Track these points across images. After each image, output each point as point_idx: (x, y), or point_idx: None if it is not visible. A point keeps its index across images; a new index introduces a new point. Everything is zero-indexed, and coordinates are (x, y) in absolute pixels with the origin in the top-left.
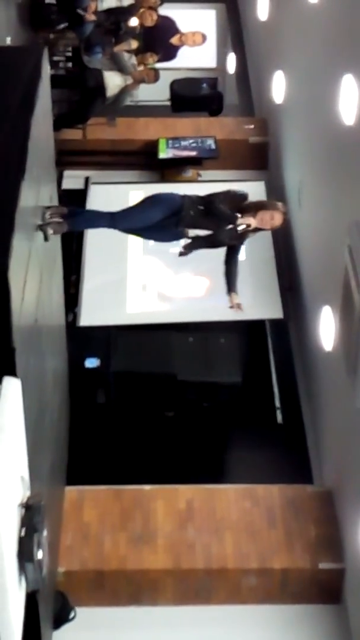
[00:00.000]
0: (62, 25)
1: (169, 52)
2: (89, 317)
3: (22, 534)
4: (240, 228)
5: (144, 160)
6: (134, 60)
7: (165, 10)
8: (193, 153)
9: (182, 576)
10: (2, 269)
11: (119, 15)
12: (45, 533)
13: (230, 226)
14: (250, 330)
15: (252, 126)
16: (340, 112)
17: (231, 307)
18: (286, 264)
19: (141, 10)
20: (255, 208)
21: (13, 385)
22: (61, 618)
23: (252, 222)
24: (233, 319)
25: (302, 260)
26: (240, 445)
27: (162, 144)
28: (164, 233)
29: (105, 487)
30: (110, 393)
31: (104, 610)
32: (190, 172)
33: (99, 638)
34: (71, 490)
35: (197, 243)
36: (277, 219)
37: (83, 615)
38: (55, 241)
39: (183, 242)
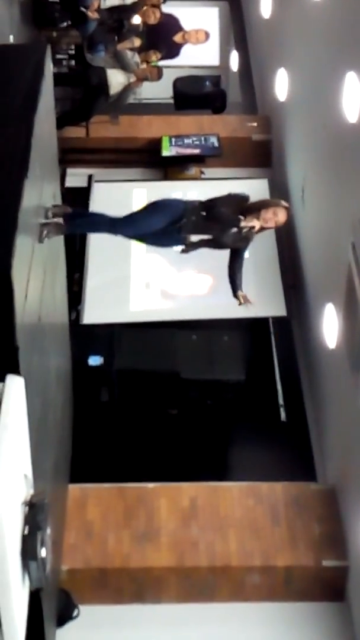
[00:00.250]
0: (65, 23)
1: (172, 50)
2: (92, 315)
3: (26, 532)
4: (244, 230)
5: (147, 158)
6: (137, 58)
7: (168, 8)
8: (196, 151)
9: (185, 574)
10: (5, 268)
11: (122, 13)
12: (48, 531)
13: (235, 229)
14: (254, 328)
15: (255, 124)
16: (343, 109)
17: (240, 304)
18: (289, 261)
19: (144, 8)
20: (258, 208)
21: (16, 383)
22: (65, 616)
23: (256, 223)
24: (236, 317)
25: (305, 257)
26: (244, 443)
27: (165, 142)
28: (166, 239)
29: (109, 485)
30: (114, 391)
31: (107, 608)
32: (193, 170)
33: (102, 636)
34: (75, 488)
35: (200, 243)
36: (280, 216)
37: (87, 613)
38: (59, 239)
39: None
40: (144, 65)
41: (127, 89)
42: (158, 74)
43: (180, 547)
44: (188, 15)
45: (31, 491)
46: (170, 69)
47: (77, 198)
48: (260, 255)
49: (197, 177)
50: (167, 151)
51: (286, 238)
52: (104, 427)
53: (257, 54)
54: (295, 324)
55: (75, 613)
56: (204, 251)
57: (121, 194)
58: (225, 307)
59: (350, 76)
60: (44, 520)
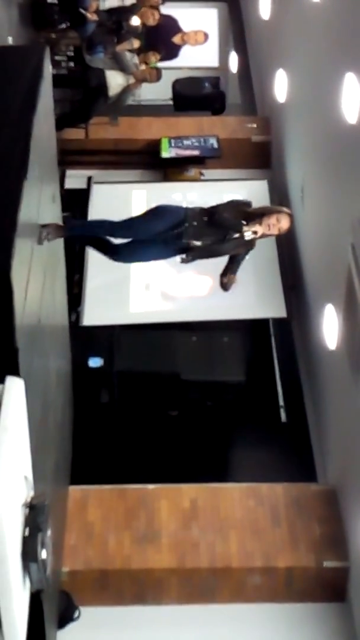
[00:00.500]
0: (63, 25)
1: (171, 51)
2: (92, 316)
3: (26, 533)
4: (247, 234)
5: (146, 159)
6: (136, 59)
7: (167, 9)
8: (196, 152)
9: (186, 575)
10: (4, 269)
11: (120, 14)
12: (49, 533)
13: (237, 235)
14: (254, 329)
15: (254, 125)
16: (342, 110)
17: (224, 283)
18: (289, 262)
19: (143, 9)
20: (260, 214)
21: (16, 385)
22: (66, 618)
23: (259, 229)
24: (236, 318)
25: (305, 258)
26: (244, 444)
27: (164, 144)
28: (165, 250)
29: (109, 487)
30: (114, 392)
31: (108, 609)
32: (192, 172)
33: (103, 637)
34: (75, 490)
35: (200, 253)
36: (283, 223)
37: (87, 614)
38: (58, 241)
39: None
40: (143, 67)
41: (126, 91)
42: (157, 75)
43: (181, 548)
44: (187, 16)
45: (31, 493)
46: (170, 70)
47: (76, 200)
48: (260, 257)
49: (196, 178)
50: (167, 152)
51: (286, 239)
52: (104, 428)
53: (257, 55)
54: (295, 325)
55: (76, 614)
56: None
57: (120, 196)
58: (225, 309)
59: (349, 77)
60: (44, 521)
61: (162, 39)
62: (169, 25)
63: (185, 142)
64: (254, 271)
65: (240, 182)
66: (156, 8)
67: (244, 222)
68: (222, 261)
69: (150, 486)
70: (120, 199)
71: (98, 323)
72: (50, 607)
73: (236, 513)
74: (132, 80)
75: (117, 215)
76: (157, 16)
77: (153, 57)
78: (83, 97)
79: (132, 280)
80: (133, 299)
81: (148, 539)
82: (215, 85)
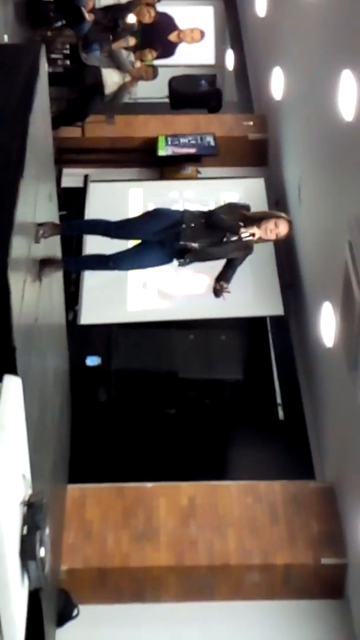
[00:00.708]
0: (59, 23)
1: (167, 49)
2: (89, 315)
3: (25, 532)
4: (244, 236)
5: (143, 157)
6: (132, 57)
7: (163, 7)
8: (192, 150)
9: (185, 573)
10: (1, 268)
11: (116, 12)
12: (47, 531)
13: (235, 237)
14: (251, 327)
15: (251, 123)
16: (339, 107)
17: (216, 290)
18: (286, 260)
19: (139, 7)
20: (259, 218)
21: (14, 383)
22: (64, 616)
23: (257, 231)
24: (233, 316)
25: (302, 256)
26: (242, 442)
27: (161, 142)
28: (163, 252)
29: (108, 485)
30: (112, 391)
31: (107, 607)
32: (189, 170)
33: (102, 635)
34: (73, 489)
35: (198, 255)
36: (282, 228)
37: (86, 612)
38: (55, 239)
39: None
40: (139, 65)
41: (123, 89)
42: (153, 73)
43: (179, 546)
44: (183, 14)
45: (30, 491)
46: (166, 68)
47: (73, 198)
48: (257, 255)
49: (193, 176)
50: (163, 151)
51: None
52: (102, 427)
53: (253, 52)
54: (292, 322)
55: (74, 613)
56: None
57: (117, 194)
58: (222, 307)
59: (345, 74)
60: (42, 520)
61: (159, 36)
62: (165, 23)
63: (182, 140)
64: (251, 269)
65: (237, 180)
66: (152, 6)
67: (242, 224)
68: (220, 261)
69: (149, 484)
70: (117, 197)
71: (95, 322)
72: (49, 605)
73: (234, 511)
74: (128, 78)
75: (113, 213)
76: (153, 14)
77: (149, 55)
78: (79, 95)
79: (130, 278)
80: (130, 297)
81: (146, 537)
82: (212, 83)
